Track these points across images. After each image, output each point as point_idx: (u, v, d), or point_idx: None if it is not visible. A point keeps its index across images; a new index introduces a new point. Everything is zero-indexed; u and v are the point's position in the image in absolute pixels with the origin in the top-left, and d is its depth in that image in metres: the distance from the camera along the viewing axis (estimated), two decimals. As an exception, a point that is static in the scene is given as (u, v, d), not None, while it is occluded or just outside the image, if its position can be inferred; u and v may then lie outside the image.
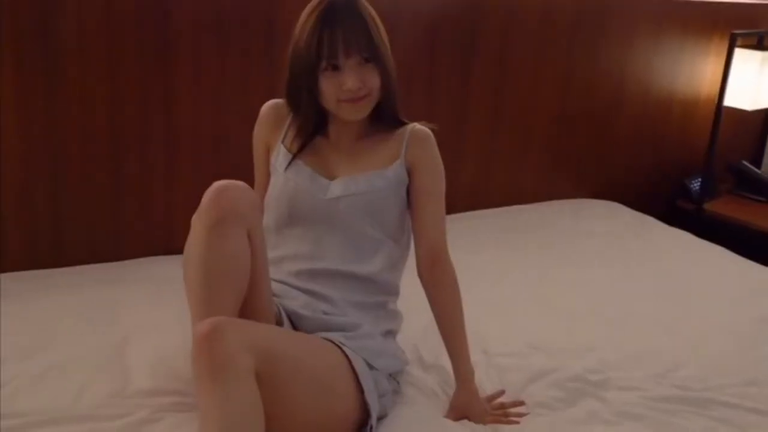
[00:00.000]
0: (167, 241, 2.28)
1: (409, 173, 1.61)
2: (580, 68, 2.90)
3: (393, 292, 1.67)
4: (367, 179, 1.58)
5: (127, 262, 2.21)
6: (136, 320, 1.85)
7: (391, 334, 1.66)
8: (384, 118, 1.62)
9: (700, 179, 3.18)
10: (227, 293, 1.36)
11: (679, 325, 2.04)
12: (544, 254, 2.48)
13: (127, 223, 2.22)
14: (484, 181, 2.84)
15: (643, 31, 2.99)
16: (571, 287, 2.23)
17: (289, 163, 1.61)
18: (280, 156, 1.64)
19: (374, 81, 1.52)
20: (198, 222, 1.40)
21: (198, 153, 2.27)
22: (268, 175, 1.71)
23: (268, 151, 1.70)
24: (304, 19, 1.52)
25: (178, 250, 2.29)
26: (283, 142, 1.65)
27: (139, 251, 2.24)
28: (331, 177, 1.61)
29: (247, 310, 1.41)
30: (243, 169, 2.32)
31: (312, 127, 1.61)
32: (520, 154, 2.90)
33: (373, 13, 1.53)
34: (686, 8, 3.06)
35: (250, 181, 2.29)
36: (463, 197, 2.74)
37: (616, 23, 2.92)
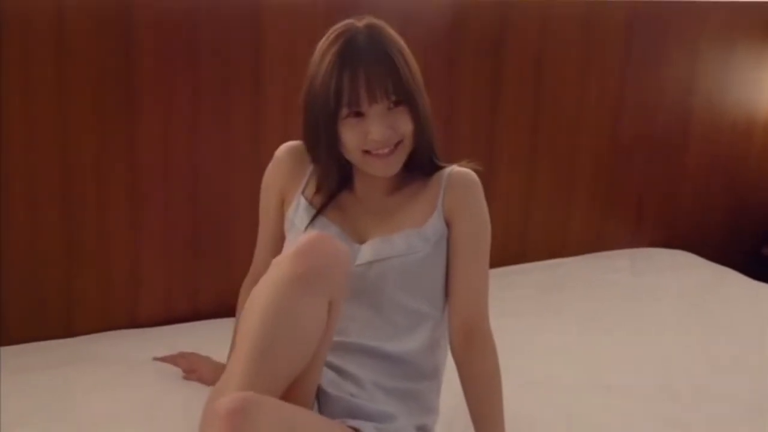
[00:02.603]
0: (130, 312, 2.36)
1: (448, 224, 1.68)
2: (635, 84, 2.98)
3: (431, 376, 1.72)
4: (402, 239, 1.65)
5: (80, 338, 2.28)
6: (92, 410, 1.91)
7: (423, 430, 1.70)
8: (419, 166, 1.70)
9: (790, 221, 3.24)
10: (285, 362, 1.43)
11: (770, 406, 2.09)
12: (595, 319, 2.53)
13: (80, 292, 2.30)
14: (519, 228, 2.91)
15: (712, 36, 3.06)
16: (631, 360, 2.28)
17: (312, 220, 1.69)
18: (299, 210, 1.72)
19: (406, 126, 1.61)
20: (280, 268, 1.46)
21: (169, 207, 2.36)
22: (277, 234, 1.79)
23: (281, 204, 1.78)
24: (320, 56, 1.60)
25: (142, 323, 2.40)
26: (303, 193, 1.74)
27: (95, 325, 2.32)
28: (361, 239, 1.69)
29: (293, 386, 1.47)
30: (226, 226, 2.42)
31: (335, 182, 1.70)
32: (564, 194, 2.97)
33: (401, 44, 1.62)
34: (767, 8, 3.13)
35: (244, 241, 2.38)
36: (494, 249, 2.76)
37: (680, 28, 3.00)
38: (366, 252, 1.66)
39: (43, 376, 2.04)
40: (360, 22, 1.61)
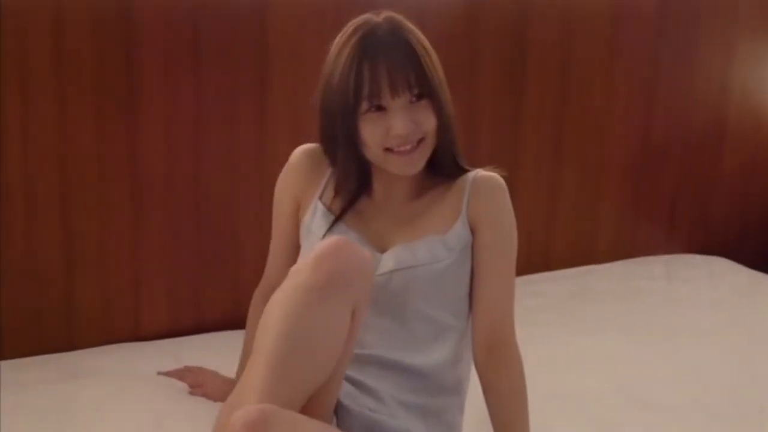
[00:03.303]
0: (132, 324, 2.38)
1: (473, 231, 1.68)
2: (667, 82, 2.98)
3: (454, 391, 1.72)
4: (425, 247, 1.66)
5: (81, 352, 2.29)
6: (94, 427, 1.91)
7: None
8: (442, 168, 1.71)
9: (835, 224, 3.22)
10: (304, 373, 1.44)
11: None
12: (627, 329, 2.52)
13: (81, 304, 2.32)
14: (545, 234, 2.92)
15: (748, 28, 3.05)
16: (665, 373, 2.28)
17: (331, 227, 1.70)
18: (316, 216, 1.73)
19: (429, 122, 1.62)
20: (300, 275, 1.47)
21: (172, 214, 2.37)
22: (291, 242, 1.80)
23: (297, 210, 1.80)
24: (337, 50, 1.62)
25: (145, 335, 2.42)
26: (321, 198, 1.75)
27: (96, 338, 2.33)
28: (381, 247, 1.69)
29: (312, 400, 1.48)
30: (232, 234, 2.42)
31: (354, 184, 1.70)
32: (592, 197, 2.97)
33: (422, 36, 1.63)
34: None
35: (251, 249, 2.42)
36: (518, 256, 2.74)
37: (713, 19, 2.99)
38: (387, 261, 1.67)
39: (44, 391, 2.05)
40: (378, 16, 1.63)
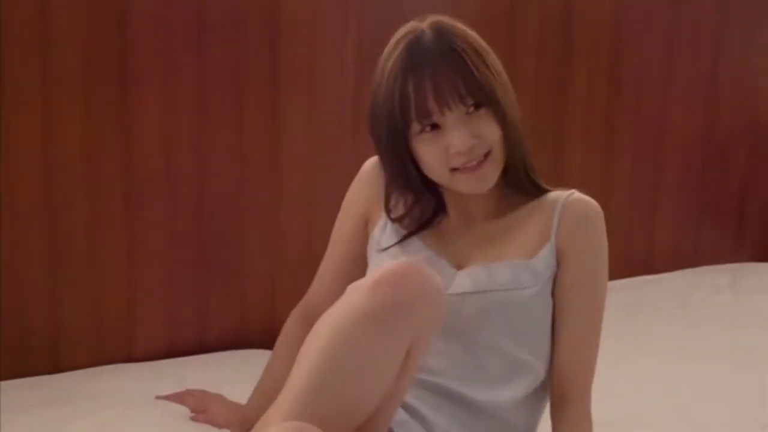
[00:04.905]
0: (126, 344, 2.36)
1: (559, 261, 1.66)
2: (732, 67, 2.96)
3: None
4: (507, 270, 1.64)
5: (70, 374, 2.28)
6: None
7: None
8: (517, 182, 1.68)
9: None
10: (343, 401, 1.44)
11: None
12: (688, 347, 2.51)
13: (69, 321, 2.30)
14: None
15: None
16: (730, 396, 2.25)
17: (401, 240, 1.70)
18: (387, 231, 1.74)
19: (492, 132, 1.59)
20: (356, 297, 1.46)
21: (171, 220, 2.36)
22: (349, 259, 1.82)
23: (364, 226, 1.80)
24: (383, 63, 1.62)
25: (141, 356, 2.39)
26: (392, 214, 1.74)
27: (86, 359, 2.32)
28: (458, 265, 1.68)
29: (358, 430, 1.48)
30: (238, 243, 2.41)
31: (429, 211, 1.70)
32: (648, 198, 2.95)
33: (473, 38, 1.61)
34: None
35: (259, 259, 2.40)
36: None
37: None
38: (463, 280, 1.65)
39: (28, 418, 2.03)
40: (423, 22, 1.62)
